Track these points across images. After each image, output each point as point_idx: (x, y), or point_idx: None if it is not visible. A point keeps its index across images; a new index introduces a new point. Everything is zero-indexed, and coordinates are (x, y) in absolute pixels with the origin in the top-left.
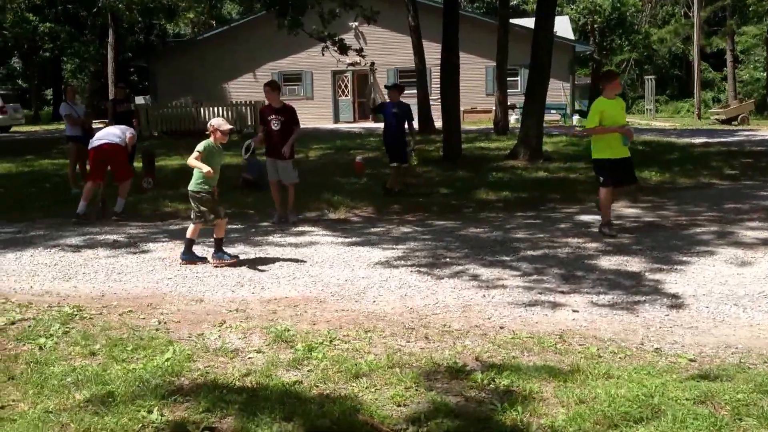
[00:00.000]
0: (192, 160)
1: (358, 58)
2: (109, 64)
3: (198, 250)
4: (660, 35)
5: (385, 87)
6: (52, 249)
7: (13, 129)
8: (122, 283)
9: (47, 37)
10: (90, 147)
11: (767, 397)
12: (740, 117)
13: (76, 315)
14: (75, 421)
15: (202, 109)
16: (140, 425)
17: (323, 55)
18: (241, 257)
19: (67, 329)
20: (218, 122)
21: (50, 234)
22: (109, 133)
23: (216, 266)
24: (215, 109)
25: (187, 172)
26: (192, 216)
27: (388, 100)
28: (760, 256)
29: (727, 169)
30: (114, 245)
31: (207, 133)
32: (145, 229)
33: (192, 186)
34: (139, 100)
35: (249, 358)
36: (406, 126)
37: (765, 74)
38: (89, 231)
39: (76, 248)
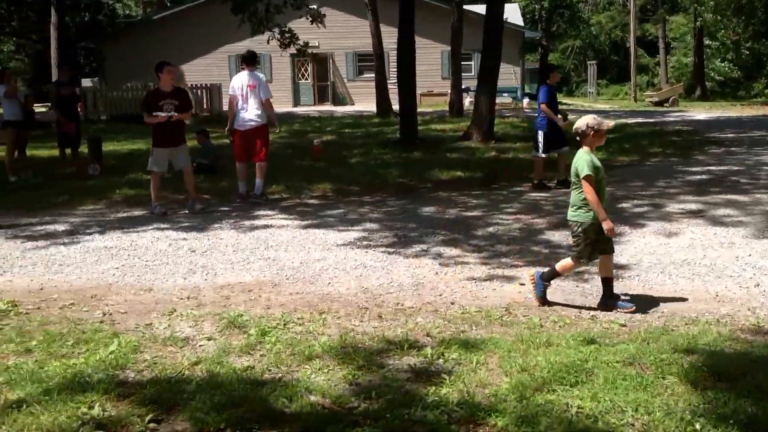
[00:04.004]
0: (589, 196)
1: (305, 46)
2: (52, 44)
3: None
4: (598, 19)
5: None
6: None
7: None
8: (64, 275)
9: None
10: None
11: (687, 356)
12: (671, 99)
13: (10, 311)
14: (6, 423)
15: None
16: (80, 422)
17: (268, 43)
18: (195, 242)
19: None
20: (596, 121)
21: None
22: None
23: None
24: None
25: (135, 157)
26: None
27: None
28: (684, 227)
29: (658, 148)
30: (55, 235)
31: (576, 138)
32: (89, 217)
33: (570, 213)
34: (87, 82)
35: (200, 346)
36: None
37: (692, 60)
38: (31, 222)
39: (13, 239)
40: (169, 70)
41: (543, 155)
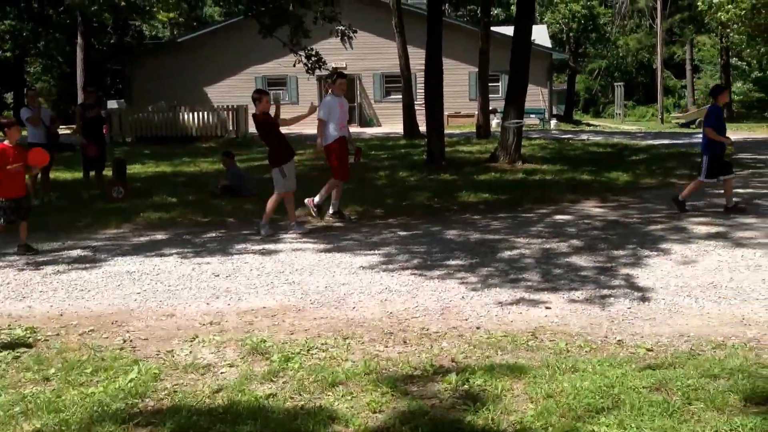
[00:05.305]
0: None
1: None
2: (78, 65)
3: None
4: (625, 41)
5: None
6: (5, 266)
7: None
8: (84, 301)
9: (7, 36)
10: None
11: (714, 381)
12: (697, 121)
13: (29, 338)
14: None
15: (181, 114)
16: None
17: (294, 66)
18: (219, 266)
19: (17, 354)
20: None
21: (4, 250)
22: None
23: None
24: (197, 113)
25: (160, 179)
26: None
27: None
28: (711, 250)
29: (684, 169)
30: (77, 259)
31: None
32: (112, 241)
33: None
34: (113, 104)
35: (221, 373)
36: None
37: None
38: (53, 247)
39: (33, 265)
40: (267, 99)
41: (705, 180)
